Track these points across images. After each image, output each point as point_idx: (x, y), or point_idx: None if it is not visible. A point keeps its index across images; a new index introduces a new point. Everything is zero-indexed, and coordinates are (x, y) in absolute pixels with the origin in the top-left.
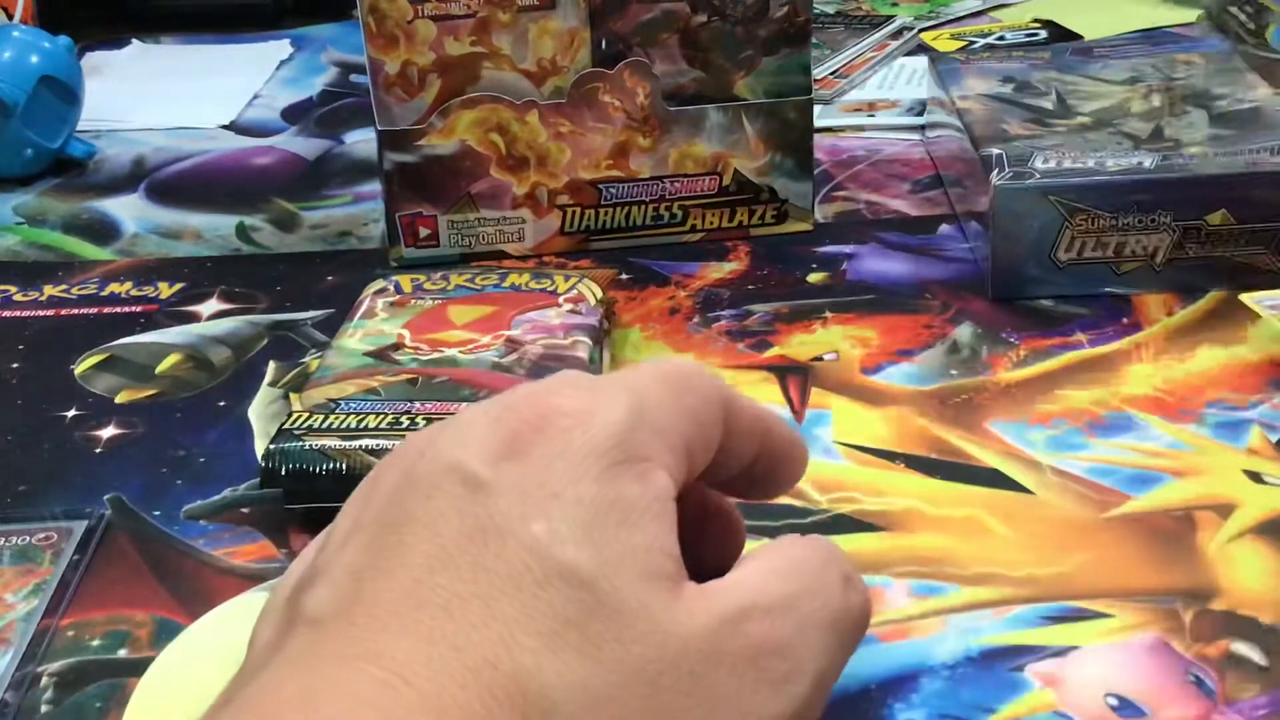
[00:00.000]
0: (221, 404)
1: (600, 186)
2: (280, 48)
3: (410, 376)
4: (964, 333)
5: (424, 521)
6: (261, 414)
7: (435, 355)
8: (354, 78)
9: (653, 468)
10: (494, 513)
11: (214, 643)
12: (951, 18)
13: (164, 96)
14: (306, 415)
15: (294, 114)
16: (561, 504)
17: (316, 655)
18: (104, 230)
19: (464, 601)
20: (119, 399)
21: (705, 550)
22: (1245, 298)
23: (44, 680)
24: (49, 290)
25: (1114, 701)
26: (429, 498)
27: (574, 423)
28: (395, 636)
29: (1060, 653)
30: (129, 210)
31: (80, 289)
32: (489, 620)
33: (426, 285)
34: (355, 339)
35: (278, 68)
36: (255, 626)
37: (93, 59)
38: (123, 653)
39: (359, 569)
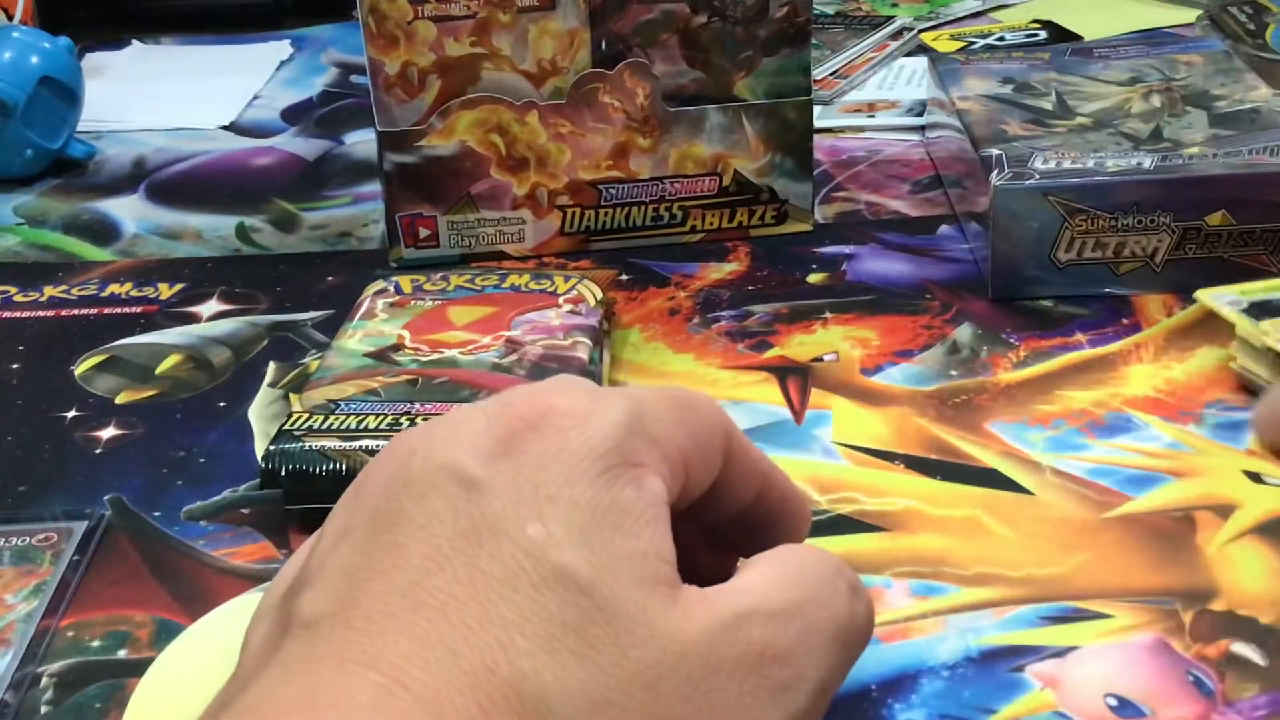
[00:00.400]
0: (221, 404)
1: (600, 187)
2: (280, 48)
3: (410, 377)
4: (964, 333)
5: (418, 522)
6: (261, 415)
7: (435, 356)
8: (354, 78)
9: (648, 473)
10: (489, 513)
11: (214, 643)
12: (951, 18)
13: (164, 97)
14: (306, 416)
15: (294, 114)
16: (557, 507)
17: (313, 659)
18: (104, 231)
19: (460, 604)
20: (119, 399)
21: (705, 560)
22: (1202, 295)
23: (44, 681)
24: (49, 291)
25: (1114, 702)
26: (423, 497)
27: (571, 423)
28: (392, 639)
29: (1060, 653)
30: (129, 211)
31: (80, 290)
32: (486, 623)
33: (426, 286)
34: (355, 340)
35: (278, 68)
36: (248, 629)
37: (93, 59)
38: (123, 653)
39: (353, 570)
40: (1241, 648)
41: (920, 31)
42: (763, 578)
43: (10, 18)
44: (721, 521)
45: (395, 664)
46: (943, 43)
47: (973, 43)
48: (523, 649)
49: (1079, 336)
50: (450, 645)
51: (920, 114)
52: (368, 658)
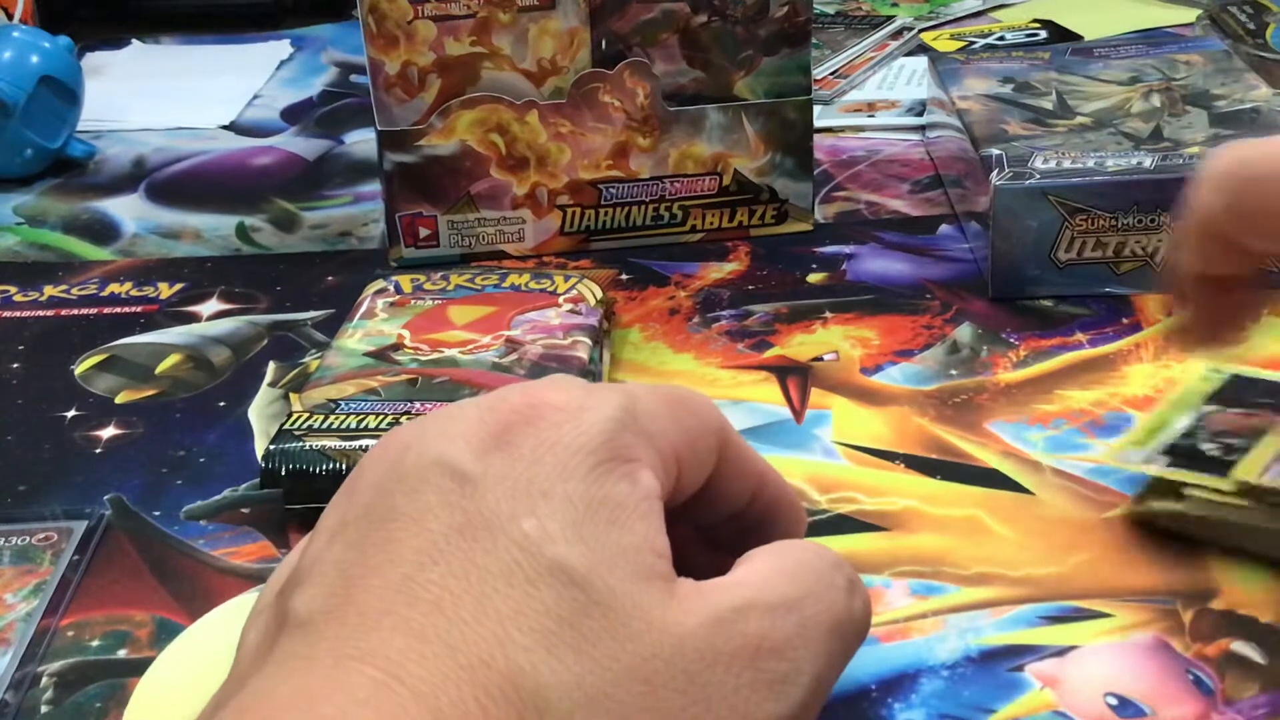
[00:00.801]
0: (221, 404)
1: (600, 187)
2: (280, 48)
3: (410, 377)
4: (964, 333)
5: (412, 516)
6: (262, 414)
7: (435, 355)
8: (354, 78)
9: (640, 468)
10: (482, 508)
11: (214, 643)
12: (951, 18)
13: (164, 96)
14: (306, 415)
15: (294, 114)
16: (551, 501)
17: (310, 656)
18: (104, 230)
19: (456, 598)
20: (119, 399)
21: (701, 562)
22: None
23: (44, 680)
24: (49, 290)
25: (1114, 701)
26: (416, 492)
27: (564, 417)
28: (388, 635)
29: (1060, 652)
30: (129, 210)
31: (80, 289)
32: (482, 617)
33: (426, 285)
34: (355, 339)
35: (278, 68)
36: (244, 628)
37: (93, 59)
38: (123, 653)
39: (347, 566)
40: (1241, 647)
41: (920, 31)
42: (759, 572)
43: (10, 17)
44: (717, 521)
45: (391, 659)
46: (943, 42)
47: (973, 42)
48: (519, 643)
49: (1079, 336)
50: (446, 639)
51: (920, 114)
52: (364, 653)
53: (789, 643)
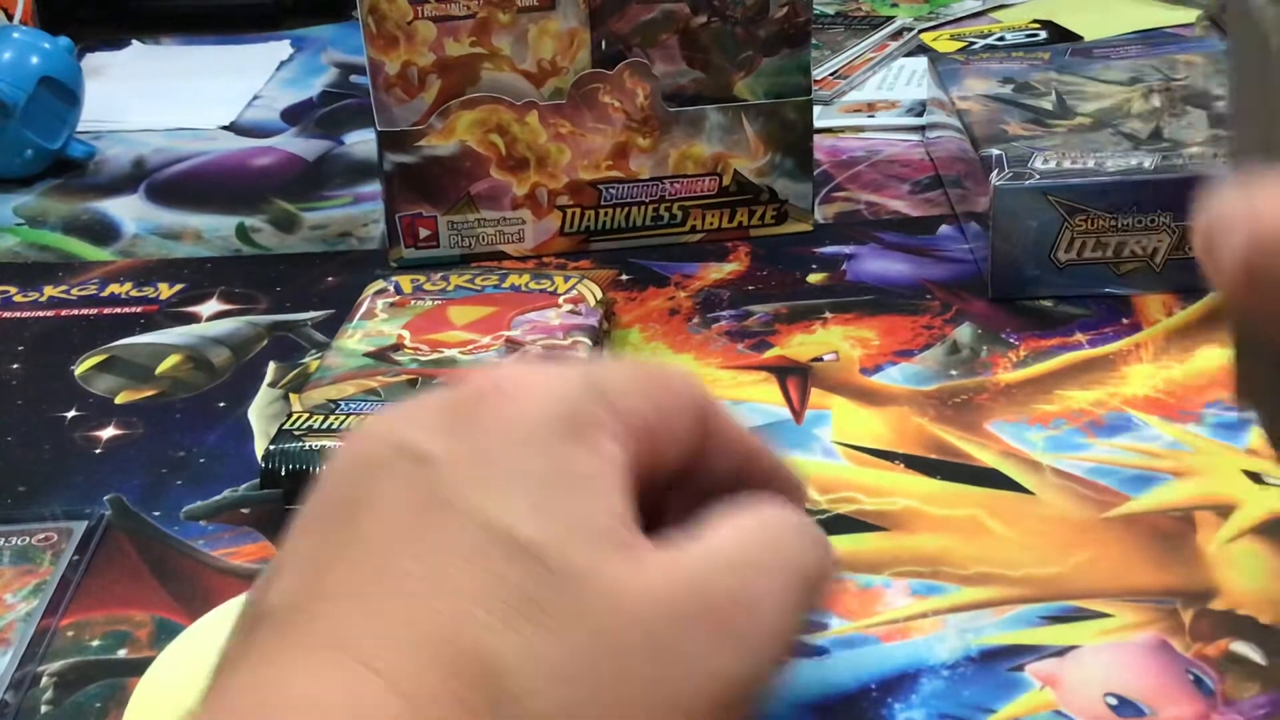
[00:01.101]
0: (221, 404)
1: (600, 187)
2: (280, 48)
3: (410, 377)
4: (964, 333)
5: (375, 502)
6: (262, 414)
7: (435, 356)
8: (354, 78)
9: (603, 437)
10: (442, 485)
11: (214, 643)
12: (951, 18)
13: (164, 97)
14: (306, 416)
15: (294, 115)
16: (509, 475)
17: (281, 647)
18: (104, 231)
19: (418, 580)
20: (119, 399)
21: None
22: None
23: (44, 680)
24: (49, 291)
25: (1113, 701)
26: (379, 478)
27: (525, 392)
28: (358, 620)
29: (1060, 652)
30: (129, 211)
31: (80, 290)
32: (444, 596)
33: (426, 286)
34: (355, 340)
35: (278, 68)
36: (231, 627)
37: (93, 59)
38: (123, 653)
39: (316, 556)
40: (1241, 647)
41: (920, 31)
42: (720, 534)
43: (10, 18)
44: (712, 493)
45: (360, 645)
46: (943, 43)
47: (973, 43)
48: (481, 620)
49: (1079, 336)
50: (410, 620)
51: (920, 114)
52: (332, 641)
53: (755, 601)
